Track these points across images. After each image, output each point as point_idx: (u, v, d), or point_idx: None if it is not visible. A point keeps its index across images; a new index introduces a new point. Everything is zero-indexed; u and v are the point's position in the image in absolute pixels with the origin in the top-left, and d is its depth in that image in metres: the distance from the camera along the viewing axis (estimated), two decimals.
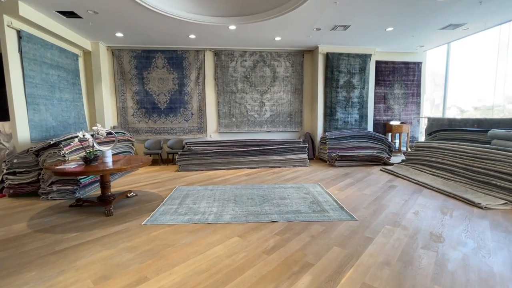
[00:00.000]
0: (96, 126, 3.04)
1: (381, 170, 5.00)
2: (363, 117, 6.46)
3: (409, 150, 5.87)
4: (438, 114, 7.20)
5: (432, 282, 1.62)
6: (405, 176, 4.30)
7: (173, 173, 4.99)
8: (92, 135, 3.17)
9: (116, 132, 5.03)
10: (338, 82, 6.22)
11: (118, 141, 4.95)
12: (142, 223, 2.58)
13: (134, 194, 3.52)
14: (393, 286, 1.58)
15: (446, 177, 3.92)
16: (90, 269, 1.81)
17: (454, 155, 4.02)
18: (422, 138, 7.08)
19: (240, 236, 2.27)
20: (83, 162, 2.97)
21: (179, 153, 5.22)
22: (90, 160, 2.92)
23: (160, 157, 6.08)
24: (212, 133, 6.41)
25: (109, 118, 5.86)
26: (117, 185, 4.14)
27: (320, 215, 2.72)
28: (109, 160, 3.11)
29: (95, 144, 3.06)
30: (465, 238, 2.21)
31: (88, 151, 2.93)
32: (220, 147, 5.59)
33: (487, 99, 6.09)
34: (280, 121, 6.60)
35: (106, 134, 4.33)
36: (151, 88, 6.07)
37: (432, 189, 3.62)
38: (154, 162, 6.14)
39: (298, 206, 3.00)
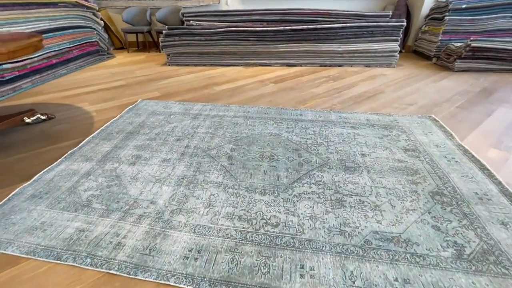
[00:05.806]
0: None
1: None
2: None
3: None
4: None
5: None
6: None
7: (156, 69, 3.02)
8: None
9: None
10: None
11: (58, 5, 2.84)
12: None
13: (40, 118, 1.78)
14: None
15: None
16: None
17: None
18: None
19: None
20: None
21: (163, 32, 3.01)
22: None
23: (151, 38, 3.98)
24: None
25: None
26: (47, 90, 2.40)
27: (491, 283, 0.74)
28: None
29: None
30: None
31: None
32: (236, 24, 3.17)
33: None
34: None
35: None
36: None
37: None
38: (143, 48, 4.12)
39: (398, 214, 0.99)
